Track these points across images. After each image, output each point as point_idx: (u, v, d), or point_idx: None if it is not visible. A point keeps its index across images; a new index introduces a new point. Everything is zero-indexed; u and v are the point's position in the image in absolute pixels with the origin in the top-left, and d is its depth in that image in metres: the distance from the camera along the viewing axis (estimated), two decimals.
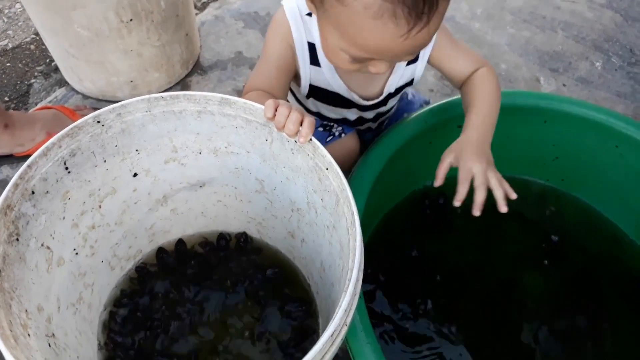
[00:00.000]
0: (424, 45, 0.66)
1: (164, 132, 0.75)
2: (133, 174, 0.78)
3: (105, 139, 0.71)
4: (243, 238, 0.94)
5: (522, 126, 1.02)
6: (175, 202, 0.86)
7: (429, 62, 0.89)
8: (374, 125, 1.03)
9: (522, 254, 0.96)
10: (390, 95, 0.92)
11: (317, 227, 0.77)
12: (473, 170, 0.74)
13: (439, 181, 0.77)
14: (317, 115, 0.99)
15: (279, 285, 0.90)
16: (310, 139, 0.67)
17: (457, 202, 0.75)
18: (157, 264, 0.91)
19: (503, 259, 0.97)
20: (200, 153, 0.79)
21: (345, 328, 0.56)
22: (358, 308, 0.72)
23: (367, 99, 0.91)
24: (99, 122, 0.69)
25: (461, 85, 0.88)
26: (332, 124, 0.99)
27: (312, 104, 0.95)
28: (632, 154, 0.96)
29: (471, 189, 0.75)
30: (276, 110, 0.67)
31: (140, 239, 0.88)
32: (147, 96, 0.70)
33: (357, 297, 0.59)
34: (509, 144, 1.04)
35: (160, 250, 0.92)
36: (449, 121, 0.95)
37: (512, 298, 0.95)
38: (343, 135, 0.96)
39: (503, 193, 0.74)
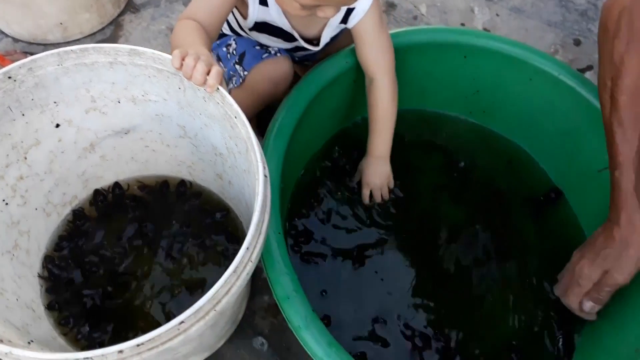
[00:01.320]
0: None
1: (79, 83, 0.76)
2: (55, 125, 0.80)
3: (20, 94, 0.73)
4: (182, 187, 0.98)
5: (443, 62, 1.05)
6: (103, 149, 0.89)
7: (351, 30, 0.94)
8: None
9: (437, 184, 1.02)
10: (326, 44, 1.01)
11: (238, 171, 0.81)
12: (370, 190, 1.02)
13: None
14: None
15: (223, 225, 0.95)
16: (218, 89, 0.69)
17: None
18: (94, 207, 0.95)
19: (422, 191, 1.04)
20: (119, 102, 0.81)
21: (250, 264, 0.62)
22: (278, 244, 0.78)
23: (305, 40, 0.97)
24: (10, 77, 0.70)
25: (367, 86, 0.99)
26: (269, 44, 1.02)
27: (254, 33, 0.99)
28: (544, 85, 1.02)
29: None
30: (183, 60, 0.69)
31: (73, 185, 0.91)
32: (56, 50, 0.71)
33: (262, 236, 0.64)
34: (432, 80, 1.09)
35: (97, 193, 0.95)
36: None
37: (431, 226, 1.02)
38: (279, 55, 0.99)
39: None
